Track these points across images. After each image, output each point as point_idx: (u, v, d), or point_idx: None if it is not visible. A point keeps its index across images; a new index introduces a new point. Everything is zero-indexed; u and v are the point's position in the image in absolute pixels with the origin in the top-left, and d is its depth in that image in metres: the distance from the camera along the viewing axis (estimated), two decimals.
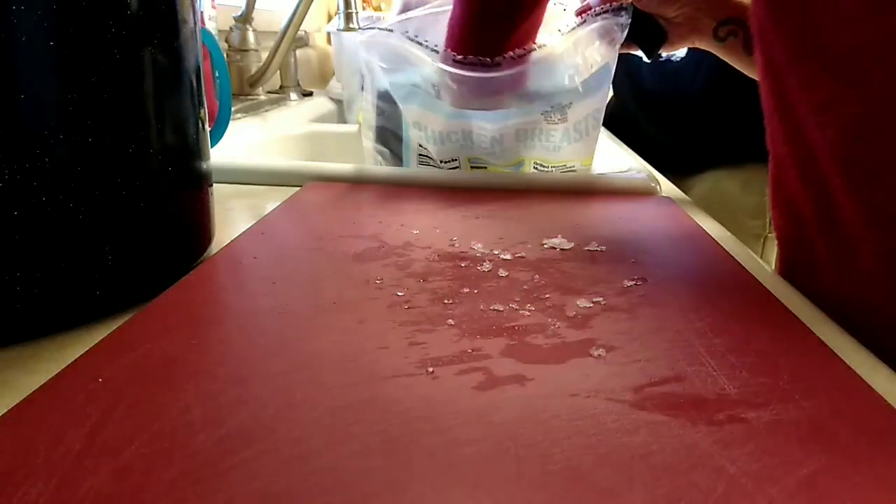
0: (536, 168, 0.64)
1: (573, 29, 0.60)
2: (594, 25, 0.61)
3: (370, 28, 0.61)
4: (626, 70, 1.06)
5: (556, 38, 0.60)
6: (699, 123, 0.96)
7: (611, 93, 0.66)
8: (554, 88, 0.61)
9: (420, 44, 0.60)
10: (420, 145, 0.64)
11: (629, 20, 0.62)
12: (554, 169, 0.65)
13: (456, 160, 0.64)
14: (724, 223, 0.54)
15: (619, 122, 1.01)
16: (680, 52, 0.94)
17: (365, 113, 0.66)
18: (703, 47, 0.64)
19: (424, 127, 0.62)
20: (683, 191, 0.65)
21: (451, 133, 0.62)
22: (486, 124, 0.61)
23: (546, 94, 0.61)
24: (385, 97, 0.64)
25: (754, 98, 0.97)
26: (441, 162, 0.64)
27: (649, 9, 0.62)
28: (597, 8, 0.62)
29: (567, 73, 0.60)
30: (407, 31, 0.60)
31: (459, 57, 0.58)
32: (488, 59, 0.58)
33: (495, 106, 0.60)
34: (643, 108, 1.03)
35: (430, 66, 0.60)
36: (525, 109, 0.61)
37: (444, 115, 0.61)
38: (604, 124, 0.92)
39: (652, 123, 1.00)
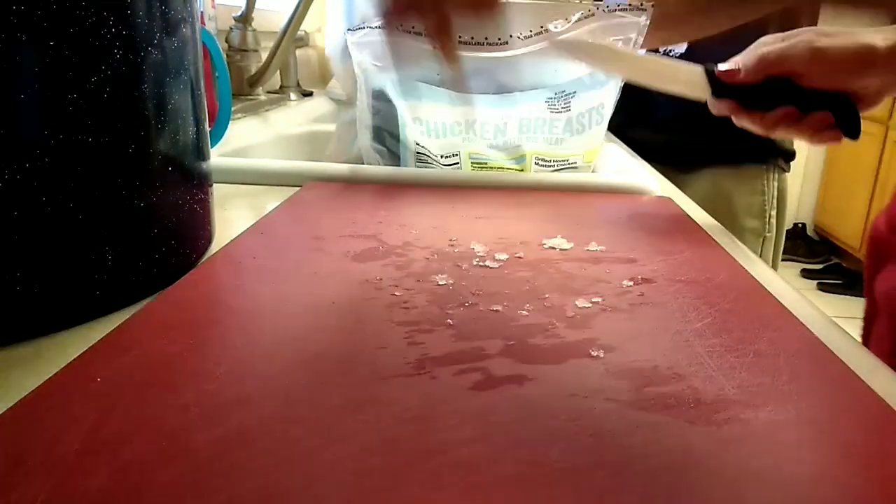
0: (538, 164, 0.64)
1: (580, 19, 0.60)
2: (606, 21, 0.61)
3: (360, 28, 0.61)
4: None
5: (563, 26, 0.60)
6: (693, 122, 0.96)
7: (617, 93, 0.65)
8: (556, 75, 0.61)
9: (419, 34, 0.60)
10: (417, 143, 0.64)
11: (647, 22, 0.60)
12: (556, 163, 0.64)
13: (456, 155, 0.64)
14: (724, 222, 0.54)
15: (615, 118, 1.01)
16: (679, 48, 0.94)
17: (360, 113, 0.66)
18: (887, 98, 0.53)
19: (424, 121, 0.62)
20: (682, 189, 0.65)
21: (454, 124, 0.62)
22: (491, 110, 0.61)
23: (551, 82, 0.61)
24: (380, 96, 0.64)
25: None
26: (441, 157, 0.64)
27: (840, 84, 0.49)
28: (612, 4, 0.61)
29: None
30: (401, 25, 0.60)
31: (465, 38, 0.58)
32: (497, 39, 0.58)
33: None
34: (637, 105, 1.02)
35: (429, 55, 0.59)
36: (530, 95, 0.61)
37: (447, 103, 0.61)
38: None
39: (647, 121, 0.99)
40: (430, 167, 0.65)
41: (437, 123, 0.62)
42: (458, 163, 0.64)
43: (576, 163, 0.65)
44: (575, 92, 0.62)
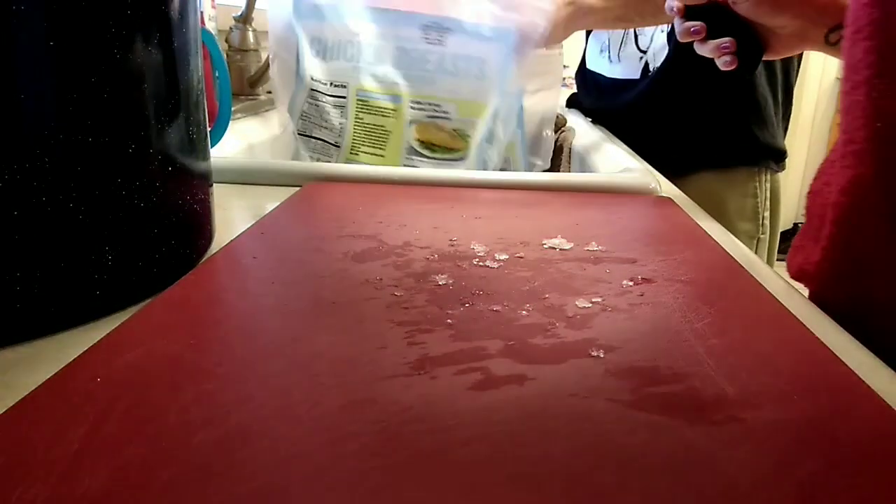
0: (413, 108, 0.65)
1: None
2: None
3: None
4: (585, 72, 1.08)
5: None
6: (682, 126, 0.96)
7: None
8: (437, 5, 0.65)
9: None
10: (312, 77, 0.64)
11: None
12: (430, 107, 0.66)
13: (345, 87, 0.65)
14: None
15: (612, 119, 1.01)
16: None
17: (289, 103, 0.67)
18: (809, 50, 0.60)
19: (322, 41, 0.64)
20: None
21: (347, 44, 0.64)
22: (370, 25, 0.64)
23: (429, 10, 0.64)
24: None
25: (738, 102, 0.97)
26: (331, 86, 0.65)
27: (757, 18, 0.54)
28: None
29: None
30: None
31: None
32: None
33: None
34: (620, 107, 1.02)
35: None
36: (405, 16, 0.64)
37: (347, 20, 0.64)
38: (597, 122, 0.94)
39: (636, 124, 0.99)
40: (316, 124, 0.65)
41: (333, 42, 0.63)
42: (345, 96, 0.65)
43: (448, 112, 0.65)
44: (450, 29, 0.62)
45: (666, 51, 0.93)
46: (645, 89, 0.96)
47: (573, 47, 1.14)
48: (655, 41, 0.95)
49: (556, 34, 0.75)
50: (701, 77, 0.91)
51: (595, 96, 1.07)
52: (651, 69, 0.96)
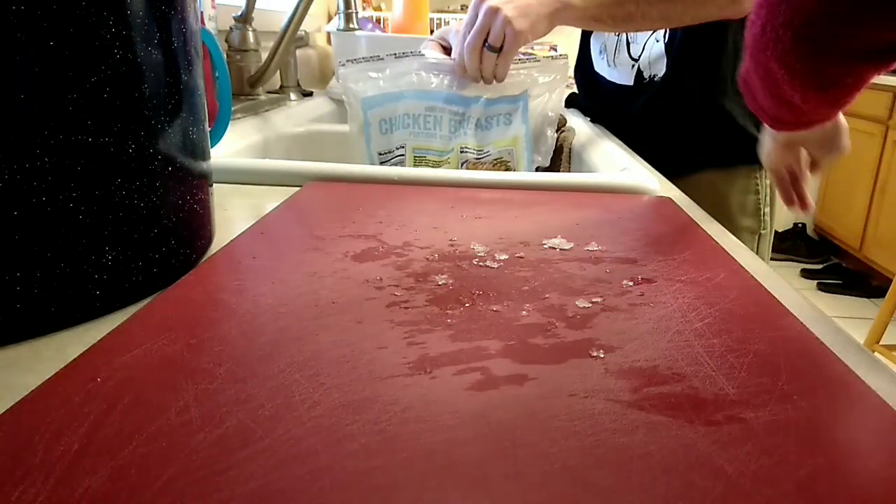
0: (463, 151, 0.76)
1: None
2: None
3: (353, 61, 0.74)
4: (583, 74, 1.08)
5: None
6: (683, 131, 0.96)
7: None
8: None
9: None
10: (380, 153, 0.75)
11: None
12: (476, 150, 0.76)
13: (402, 148, 0.75)
14: (720, 222, 0.54)
15: (613, 121, 1.01)
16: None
17: (355, 139, 0.76)
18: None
19: (388, 120, 0.74)
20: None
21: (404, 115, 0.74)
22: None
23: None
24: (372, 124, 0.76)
25: (738, 108, 0.98)
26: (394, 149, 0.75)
27: None
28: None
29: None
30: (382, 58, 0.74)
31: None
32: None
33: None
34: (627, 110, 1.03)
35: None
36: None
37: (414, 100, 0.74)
38: (595, 122, 0.97)
39: (638, 125, 0.99)
40: None
41: (394, 119, 0.74)
42: (403, 154, 0.75)
43: (489, 153, 0.75)
44: (478, 101, 0.75)
45: (663, 60, 0.94)
46: (646, 100, 0.96)
47: (572, 46, 1.15)
48: (647, 50, 0.96)
49: (540, 27, 0.76)
50: (701, 86, 0.92)
51: (595, 99, 1.07)
52: (645, 76, 0.97)
